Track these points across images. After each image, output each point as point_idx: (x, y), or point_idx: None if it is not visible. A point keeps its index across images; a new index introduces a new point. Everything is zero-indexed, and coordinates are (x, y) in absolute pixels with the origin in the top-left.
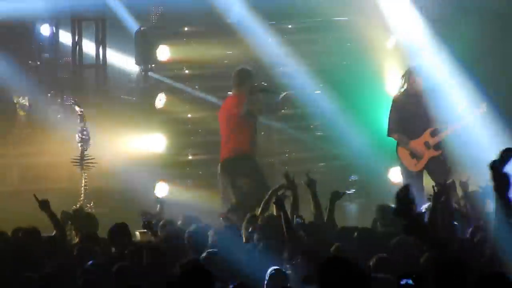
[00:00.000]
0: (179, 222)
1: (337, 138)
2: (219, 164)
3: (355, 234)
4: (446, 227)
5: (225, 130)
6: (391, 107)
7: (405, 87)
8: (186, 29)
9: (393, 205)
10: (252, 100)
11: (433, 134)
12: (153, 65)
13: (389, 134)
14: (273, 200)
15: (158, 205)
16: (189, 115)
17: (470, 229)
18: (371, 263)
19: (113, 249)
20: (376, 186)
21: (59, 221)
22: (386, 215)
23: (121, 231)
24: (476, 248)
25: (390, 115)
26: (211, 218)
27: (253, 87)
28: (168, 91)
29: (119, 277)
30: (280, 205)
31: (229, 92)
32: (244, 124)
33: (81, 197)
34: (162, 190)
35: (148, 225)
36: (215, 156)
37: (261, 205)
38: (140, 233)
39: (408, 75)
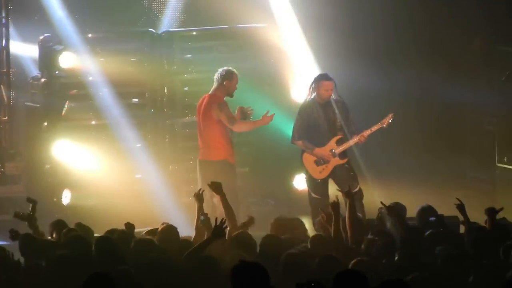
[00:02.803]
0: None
1: (243, 145)
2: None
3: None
4: (353, 234)
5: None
6: (298, 114)
7: (312, 95)
8: (90, 35)
9: None
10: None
11: (339, 142)
12: (56, 72)
13: (293, 141)
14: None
15: (30, 206)
16: (93, 122)
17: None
18: None
19: None
20: (281, 194)
21: None
22: None
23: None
24: (382, 254)
25: (295, 122)
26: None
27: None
28: (72, 98)
29: None
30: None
31: (133, 100)
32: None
33: None
34: (66, 197)
35: (15, 233)
36: (120, 163)
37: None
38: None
39: (316, 83)
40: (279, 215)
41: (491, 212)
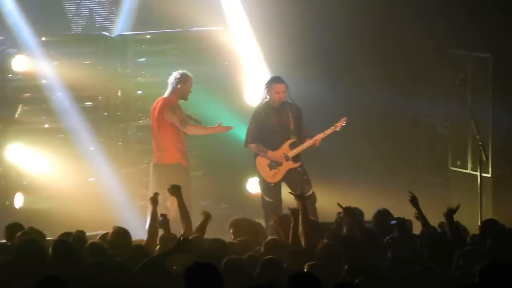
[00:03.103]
0: None
1: (196, 148)
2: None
3: None
4: (306, 238)
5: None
6: (251, 117)
7: (266, 98)
8: (44, 39)
9: None
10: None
11: (292, 146)
12: (10, 75)
13: (246, 144)
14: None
15: None
16: (47, 125)
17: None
18: None
19: None
20: (235, 197)
21: None
22: None
23: None
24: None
25: (249, 125)
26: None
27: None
28: (25, 102)
29: None
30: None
31: (86, 103)
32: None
33: None
34: (19, 200)
35: None
36: (73, 167)
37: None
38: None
39: (268, 86)
40: (240, 217)
41: (449, 214)
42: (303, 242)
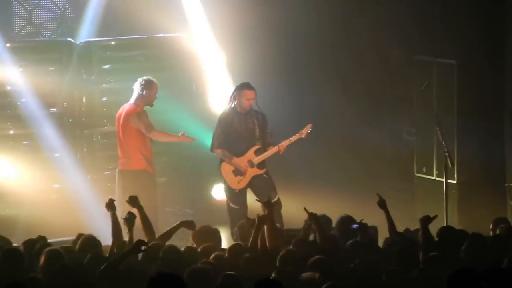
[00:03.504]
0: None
1: (161, 154)
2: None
3: None
4: (271, 245)
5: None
6: (217, 123)
7: (233, 104)
8: (8, 45)
9: None
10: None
11: (258, 152)
12: None
13: (212, 149)
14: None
15: None
16: (11, 132)
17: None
18: None
19: None
20: (200, 203)
21: None
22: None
23: None
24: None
25: (215, 130)
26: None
27: None
28: None
29: None
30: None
31: (51, 109)
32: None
33: None
34: None
35: None
36: (38, 173)
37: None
38: None
39: (238, 92)
40: (203, 224)
41: (426, 221)
42: (268, 249)
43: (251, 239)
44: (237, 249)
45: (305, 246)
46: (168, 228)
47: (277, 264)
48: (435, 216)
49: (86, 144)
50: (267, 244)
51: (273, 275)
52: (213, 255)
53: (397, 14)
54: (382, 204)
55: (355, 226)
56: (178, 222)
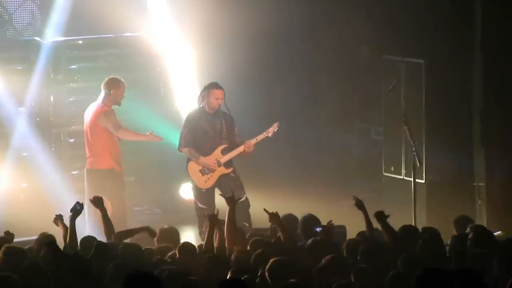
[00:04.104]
0: None
1: (129, 153)
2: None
3: None
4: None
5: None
6: (185, 122)
7: (201, 104)
8: None
9: None
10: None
11: (224, 152)
12: None
13: (179, 148)
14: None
15: None
16: None
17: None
18: None
19: None
20: (168, 203)
21: None
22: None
23: None
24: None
25: (182, 129)
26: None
27: None
28: None
29: None
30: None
31: (19, 108)
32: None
33: None
34: None
35: None
36: (6, 172)
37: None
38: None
39: (206, 92)
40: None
41: (381, 215)
42: (226, 247)
43: (205, 239)
44: (187, 248)
45: (263, 246)
46: (130, 228)
47: (229, 263)
48: (388, 216)
49: (54, 144)
50: (226, 244)
51: (228, 275)
52: (168, 254)
53: (366, 13)
54: (360, 205)
55: (318, 229)
56: (142, 226)
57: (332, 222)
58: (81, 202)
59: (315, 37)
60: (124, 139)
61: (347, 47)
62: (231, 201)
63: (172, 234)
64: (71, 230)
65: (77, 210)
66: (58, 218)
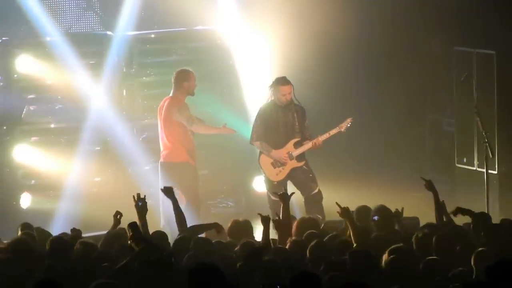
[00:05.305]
0: None
1: (202, 147)
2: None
3: None
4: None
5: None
6: (257, 115)
7: (272, 97)
8: (48, 38)
9: None
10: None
11: (297, 145)
12: (15, 76)
13: (251, 142)
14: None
15: None
16: (52, 125)
17: None
18: None
19: None
20: (241, 195)
21: None
22: None
23: None
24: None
25: (254, 123)
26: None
27: None
28: (31, 102)
29: None
30: None
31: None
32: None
33: None
34: (26, 200)
35: None
36: (79, 166)
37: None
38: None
39: (274, 88)
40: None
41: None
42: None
43: (262, 239)
44: (248, 244)
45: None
46: (201, 223)
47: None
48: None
49: (127, 137)
50: (277, 235)
51: None
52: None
53: (437, 6)
54: (430, 186)
55: (375, 217)
56: (212, 222)
57: (399, 210)
58: (142, 197)
59: (386, 31)
60: (198, 132)
61: (419, 39)
62: (283, 199)
63: (245, 227)
64: (143, 226)
65: (139, 206)
66: (118, 214)
